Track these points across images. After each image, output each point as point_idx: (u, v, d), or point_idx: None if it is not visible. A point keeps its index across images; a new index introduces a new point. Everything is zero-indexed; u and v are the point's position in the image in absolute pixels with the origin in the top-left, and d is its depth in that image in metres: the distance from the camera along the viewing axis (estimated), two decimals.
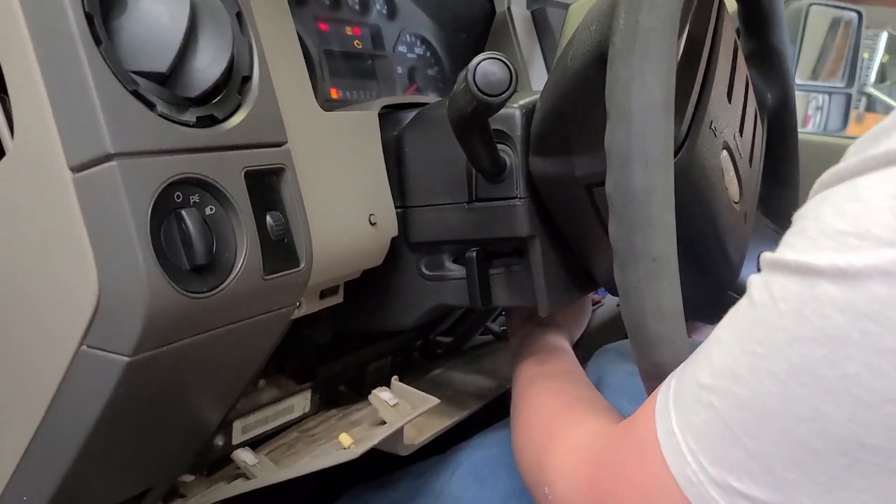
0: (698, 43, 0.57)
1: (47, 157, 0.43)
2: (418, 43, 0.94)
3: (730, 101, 0.63)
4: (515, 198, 0.63)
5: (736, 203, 0.65)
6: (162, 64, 0.45)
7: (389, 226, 0.66)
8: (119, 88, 0.43)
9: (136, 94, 0.44)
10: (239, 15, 0.52)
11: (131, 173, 0.43)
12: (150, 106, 0.45)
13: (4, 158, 0.45)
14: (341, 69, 0.81)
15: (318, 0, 0.79)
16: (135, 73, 0.45)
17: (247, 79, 0.52)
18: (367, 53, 0.85)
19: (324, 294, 0.65)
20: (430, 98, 0.93)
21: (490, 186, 0.64)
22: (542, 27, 0.97)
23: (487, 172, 0.62)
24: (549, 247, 0.65)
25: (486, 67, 0.49)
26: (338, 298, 0.67)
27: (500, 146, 0.62)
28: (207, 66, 0.48)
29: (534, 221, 0.63)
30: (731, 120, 0.63)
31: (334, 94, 0.80)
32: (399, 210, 0.68)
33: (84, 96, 0.42)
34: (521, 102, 0.63)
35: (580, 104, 0.54)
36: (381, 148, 0.67)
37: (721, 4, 0.61)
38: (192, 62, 0.48)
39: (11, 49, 0.44)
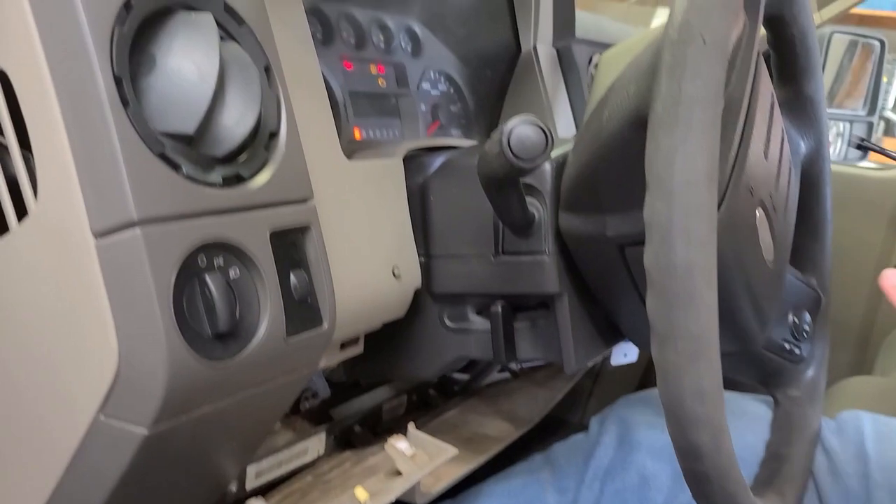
0: (736, 102, 0.55)
1: (70, 220, 0.42)
2: (442, 80, 0.93)
3: (766, 158, 0.61)
4: (544, 253, 0.61)
5: (770, 261, 0.63)
6: (189, 125, 0.44)
7: (413, 277, 0.65)
8: (145, 151, 0.42)
9: (163, 157, 0.43)
10: (268, 69, 0.51)
11: (155, 241, 0.42)
12: (176, 167, 0.44)
13: (27, 219, 0.44)
14: (365, 109, 0.80)
15: (344, 39, 0.78)
16: (162, 133, 0.44)
17: (274, 134, 0.51)
18: (391, 92, 0.84)
19: (344, 345, 0.63)
20: (454, 135, 0.92)
21: (517, 240, 0.62)
22: (568, 65, 0.96)
23: (515, 226, 0.61)
24: (577, 302, 0.63)
25: (522, 131, 0.47)
26: (358, 349, 0.66)
27: (528, 199, 0.61)
28: (235, 123, 0.47)
29: (562, 277, 0.61)
30: (768, 177, 0.61)
31: (358, 135, 0.78)
32: (422, 259, 0.66)
33: (110, 160, 0.41)
34: (553, 156, 0.62)
35: (615, 165, 0.52)
36: (405, 196, 0.65)
37: (759, 60, 0.60)
38: (219, 120, 0.46)
39: (37, 108, 0.42)
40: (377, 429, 0.90)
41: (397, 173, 0.65)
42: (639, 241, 0.48)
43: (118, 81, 0.42)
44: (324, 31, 0.76)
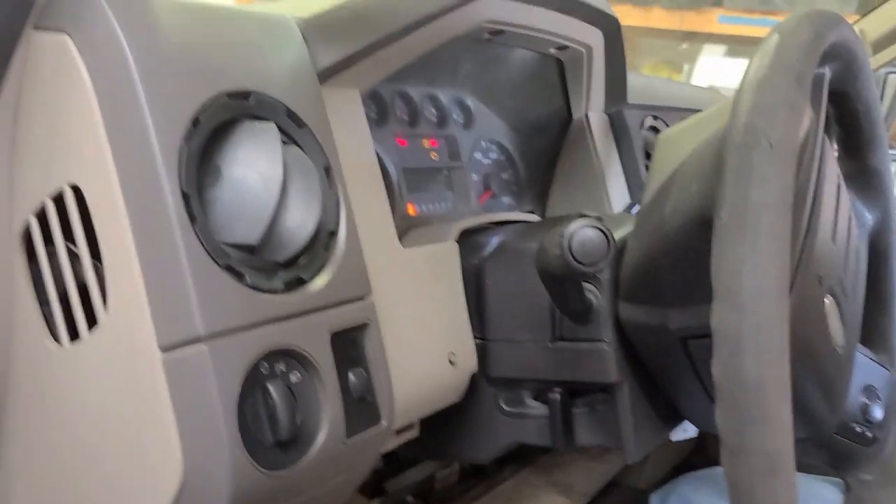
0: (803, 191, 0.54)
1: (138, 333, 0.43)
2: (494, 148, 0.93)
3: (834, 242, 0.59)
4: (602, 341, 0.60)
5: (840, 346, 0.61)
6: (254, 235, 0.45)
7: (469, 362, 0.64)
8: (211, 265, 0.43)
9: (228, 268, 0.44)
10: (327, 169, 0.52)
11: (221, 354, 0.42)
12: (240, 277, 0.44)
13: (97, 328, 0.45)
14: (419, 184, 0.80)
15: (398, 117, 0.79)
16: (227, 244, 0.44)
17: (333, 233, 0.51)
18: (443, 165, 0.84)
19: (400, 430, 0.63)
20: (506, 203, 0.92)
21: (575, 326, 0.61)
22: (620, 130, 0.95)
23: (573, 314, 0.60)
24: (637, 389, 0.62)
25: (584, 235, 0.47)
26: (414, 433, 0.65)
27: (586, 286, 0.60)
28: (297, 227, 0.48)
29: (622, 366, 0.60)
30: (836, 261, 0.59)
31: (411, 210, 0.79)
32: (478, 341, 0.66)
33: (177, 274, 0.42)
34: None
35: (678, 261, 0.51)
36: (461, 280, 0.65)
37: (825, 142, 0.58)
38: (281, 225, 0.47)
39: (108, 222, 0.44)
40: (430, 499, 0.89)
41: (453, 258, 0.65)
42: (702, 335, 0.47)
43: (186, 197, 0.42)
44: (378, 111, 0.77)
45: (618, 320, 0.59)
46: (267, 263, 0.46)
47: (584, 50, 0.82)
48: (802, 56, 0.47)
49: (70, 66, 0.43)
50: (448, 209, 0.84)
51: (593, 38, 0.82)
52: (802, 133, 0.45)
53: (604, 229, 0.47)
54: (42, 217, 0.46)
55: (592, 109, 0.92)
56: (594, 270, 0.47)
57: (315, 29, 0.55)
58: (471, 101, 0.89)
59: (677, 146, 0.63)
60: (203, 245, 0.43)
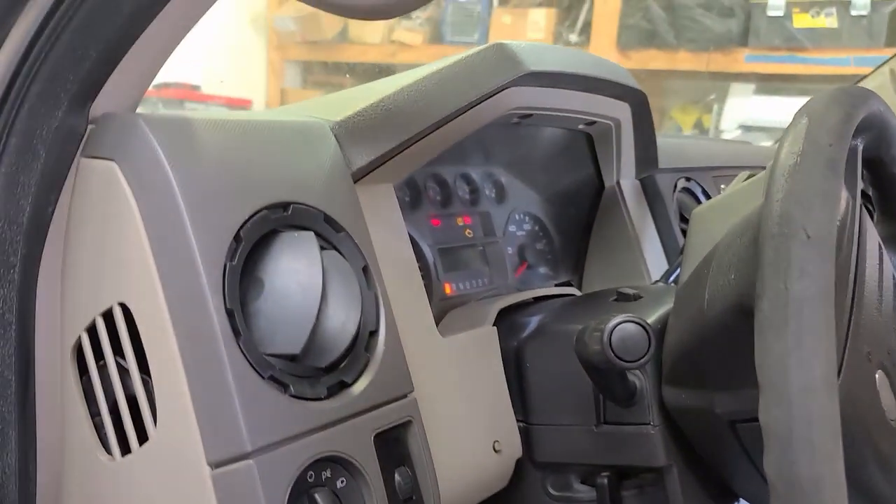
0: (844, 272, 0.53)
1: (187, 449, 0.43)
2: (527, 220, 0.94)
3: (880, 313, 0.58)
4: (648, 424, 0.59)
5: (893, 420, 0.59)
6: (297, 345, 0.46)
7: (514, 448, 0.64)
8: (255, 378, 0.44)
9: (272, 379, 0.44)
10: (365, 269, 0.52)
11: (267, 468, 0.43)
12: (284, 387, 0.45)
13: (147, 444, 0.46)
14: (454, 263, 0.81)
15: (431, 200, 0.80)
16: (270, 355, 0.45)
17: (373, 333, 0.52)
18: (478, 242, 0.85)
19: None
20: (542, 273, 0.92)
21: (620, 410, 0.60)
22: (653, 195, 0.95)
23: (617, 399, 0.59)
24: (687, 471, 0.61)
25: (624, 331, 0.47)
26: None
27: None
28: (338, 332, 0.49)
29: (670, 449, 0.59)
30: (884, 334, 0.58)
31: (448, 290, 0.79)
32: (521, 425, 0.65)
33: (223, 390, 0.43)
34: (651, 320, 0.61)
35: (720, 349, 0.51)
36: (501, 364, 0.65)
37: (863, 214, 0.58)
38: (323, 331, 0.48)
39: (156, 340, 0.45)
40: None
41: (491, 343, 0.65)
42: (751, 419, 0.46)
43: (230, 314, 0.44)
44: (412, 196, 0.79)
45: (663, 403, 0.59)
46: (310, 370, 0.47)
47: (611, 123, 0.83)
48: (835, 140, 0.47)
49: (117, 191, 0.45)
50: (485, 285, 0.84)
51: (621, 111, 0.83)
52: (840, 217, 0.45)
53: (643, 324, 0.47)
54: (93, 332, 0.48)
55: (624, 177, 0.92)
56: (635, 366, 0.47)
57: (347, 131, 0.56)
58: (503, 177, 0.90)
59: (712, 224, 0.63)
60: (247, 359, 0.43)
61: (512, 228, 0.91)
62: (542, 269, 0.93)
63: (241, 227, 0.45)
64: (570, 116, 0.77)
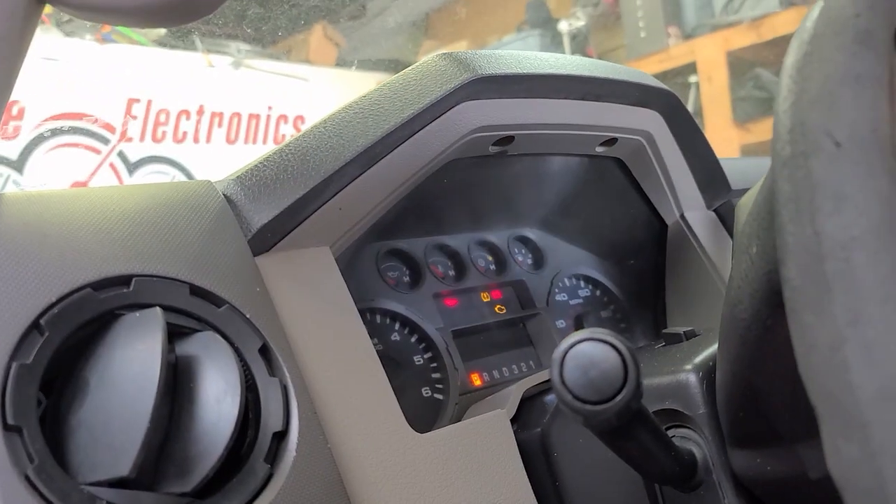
0: None
1: None
2: (581, 284, 0.77)
3: None
4: None
5: None
6: (123, 465, 0.32)
7: None
8: None
9: None
10: (264, 350, 0.39)
11: None
12: None
13: None
14: (480, 347, 0.66)
15: (435, 276, 0.66)
16: (93, 484, 0.32)
17: (280, 435, 0.38)
18: (514, 317, 0.69)
19: None
20: None
21: (682, 496, 0.41)
22: (732, 223, 0.76)
23: (670, 479, 0.40)
24: None
25: (580, 356, 0.30)
26: None
27: (678, 432, 0.41)
28: (205, 438, 0.35)
29: None
30: None
31: (477, 381, 0.63)
32: None
33: None
34: (697, 360, 0.43)
35: (773, 371, 0.32)
36: (518, 458, 0.48)
37: None
38: (177, 439, 0.35)
39: None
40: None
41: (498, 432, 0.48)
42: None
43: (15, 431, 0.31)
44: (411, 274, 0.65)
45: (736, 476, 0.39)
46: (164, 500, 0.33)
47: (640, 139, 0.67)
48: (864, 8, 0.30)
49: None
50: (532, 369, 0.68)
51: (649, 121, 0.66)
52: (886, 107, 0.28)
53: (607, 339, 0.30)
54: None
55: (689, 208, 0.74)
56: (608, 410, 0.29)
57: (243, 187, 0.45)
58: (532, 234, 0.75)
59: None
60: (43, 497, 0.30)
61: (561, 297, 0.74)
62: None
63: (42, 314, 0.34)
64: (571, 135, 0.61)
